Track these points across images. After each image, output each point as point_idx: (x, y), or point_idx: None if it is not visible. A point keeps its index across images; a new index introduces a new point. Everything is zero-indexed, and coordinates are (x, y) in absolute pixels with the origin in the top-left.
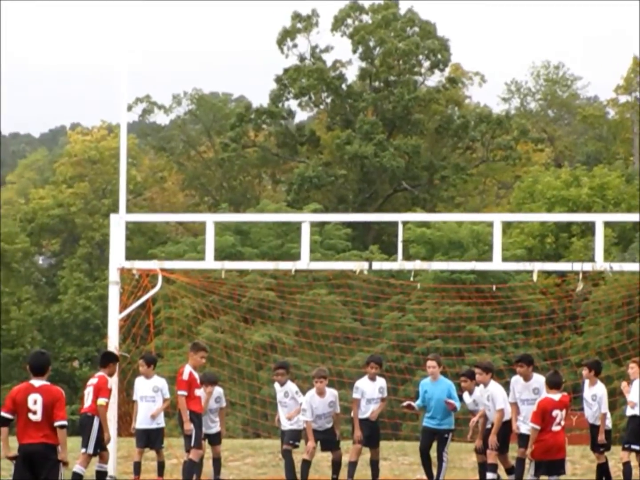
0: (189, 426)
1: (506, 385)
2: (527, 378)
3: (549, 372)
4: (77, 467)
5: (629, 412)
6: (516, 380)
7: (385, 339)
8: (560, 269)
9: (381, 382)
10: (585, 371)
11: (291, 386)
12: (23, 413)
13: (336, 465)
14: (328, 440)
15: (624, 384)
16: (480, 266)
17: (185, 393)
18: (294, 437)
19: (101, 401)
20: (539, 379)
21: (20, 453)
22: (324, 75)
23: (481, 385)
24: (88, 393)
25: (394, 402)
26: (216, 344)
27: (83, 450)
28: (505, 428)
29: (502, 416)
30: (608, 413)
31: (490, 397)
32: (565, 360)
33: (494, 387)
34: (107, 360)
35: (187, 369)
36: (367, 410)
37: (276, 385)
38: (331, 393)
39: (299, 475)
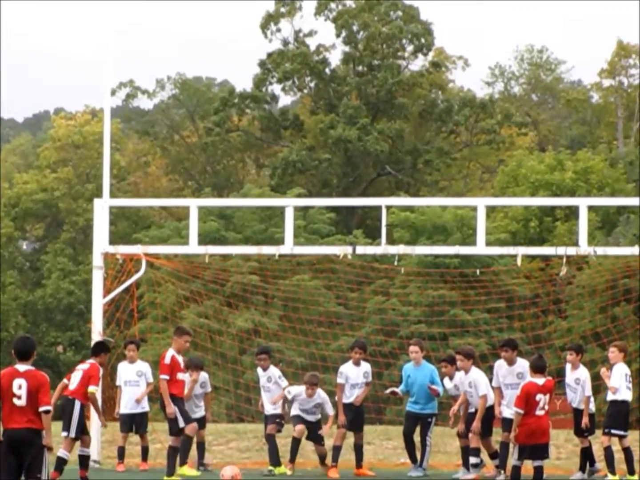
0: (172, 409)
1: (490, 370)
2: (511, 363)
3: (533, 357)
4: (62, 452)
5: (610, 397)
6: (500, 365)
7: (369, 323)
8: (544, 253)
9: (366, 366)
10: (572, 355)
11: (274, 371)
12: (8, 398)
13: (322, 458)
14: (314, 432)
15: (603, 369)
16: (464, 250)
17: (167, 377)
18: (277, 420)
19: (92, 389)
20: (523, 364)
21: (5, 438)
22: (307, 60)
23: (462, 371)
24: (75, 377)
25: (378, 386)
26: (200, 328)
27: (64, 434)
28: (488, 413)
29: (486, 402)
30: (592, 397)
31: (472, 384)
32: (549, 345)
33: (476, 373)
34: (99, 349)
35: (170, 353)
36: (351, 395)
37: (259, 370)
38: (319, 396)
39: (282, 459)
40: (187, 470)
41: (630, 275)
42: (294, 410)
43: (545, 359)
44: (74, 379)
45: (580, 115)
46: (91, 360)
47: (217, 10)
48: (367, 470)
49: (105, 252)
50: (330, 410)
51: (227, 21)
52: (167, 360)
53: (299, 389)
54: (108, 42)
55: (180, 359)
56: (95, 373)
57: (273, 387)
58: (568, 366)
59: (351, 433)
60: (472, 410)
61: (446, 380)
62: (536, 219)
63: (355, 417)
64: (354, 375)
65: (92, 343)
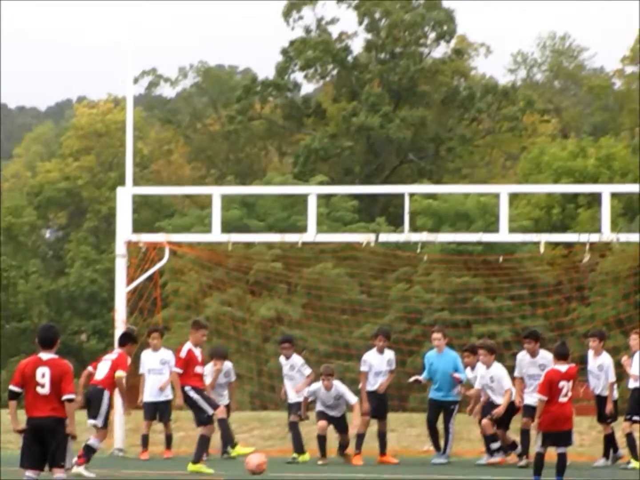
0: (181, 402)
1: (513, 357)
2: (533, 354)
3: (556, 343)
4: (93, 440)
5: (631, 384)
6: (523, 356)
7: (392, 310)
8: (567, 240)
9: (389, 354)
10: (594, 342)
11: (297, 359)
12: (31, 386)
13: (343, 446)
14: (338, 424)
15: (624, 358)
16: (487, 238)
17: (180, 370)
18: (300, 409)
19: (120, 373)
20: (545, 355)
21: (28, 426)
22: (329, 47)
23: (483, 365)
24: (103, 366)
25: (401, 374)
26: (223, 316)
27: (92, 422)
28: (509, 408)
29: (511, 396)
30: (615, 383)
31: (494, 379)
32: (572, 331)
33: (497, 368)
34: (126, 340)
35: (187, 347)
36: (375, 383)
37: (282, 358)
38: (336, 388)
39: (306, 447)
40: (241, 449)
41: None
42: (318, 407)
43: (568, 346)
44: (102, 369)
45: (603, 102)
46: (119, 350)
47: None
48: (390, 457)
49: (128, 240)
50: (352, 399)
51: (249, 9)
52: (183, 354)
53: (315, 386)
54: (130, 30)
55: (197, 352)
56: (124, 361)
57: (296, 375)
58: (591, 353)
59: (375, 420)
60: (491, 401)
61: (467, 370)
62: (559, 206)
63: (379, 405)
64: (378, 363)
65: (116, 332)
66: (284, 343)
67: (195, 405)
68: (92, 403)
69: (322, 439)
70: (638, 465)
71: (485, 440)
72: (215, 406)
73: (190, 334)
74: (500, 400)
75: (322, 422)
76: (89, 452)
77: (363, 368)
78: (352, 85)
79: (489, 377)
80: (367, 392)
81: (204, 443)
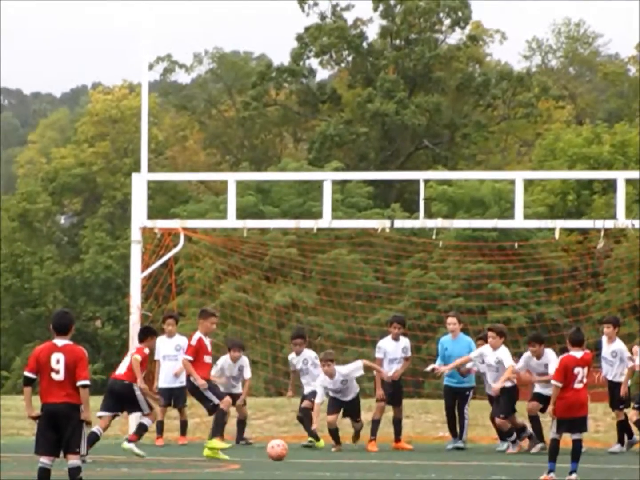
0: (202, 382)
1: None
2: (539, 357)
3: (571, 329)
4: (145, 419)
5: None
6: (529, 357)
7: (407, 296)
8: (582, 226)
9: (405, 342)
10: (609, 328)
11: (309, 353)
12: (46, 373)
13: (356, 432)
14: (350, 408)
15: (635, 347)
16: (502, 224)
17: (190, 358)
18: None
19: (137, 357)
20: (548, 355)
21: (43, 412)
22: (344, 34)
23: (490, 348)
24: (124, 362)
25: (416, 360)
26: (238, 302)
27: (137, 414)
28: (512, 394)
29: (511, 372)
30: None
31: (498, 360)
32: (587, 318)
33: (504, 351)
34: (145, 334)
35: (197, 335)
36: (390, 370)
37: (292, 355)
38: (340, 373)
39: (320, 434)
40: (217, 443)
41: None
42: (331, 394)
43: (583, 332)
44: (123, 364)
45: (618, 88)
46: (138, 346)
47: None
48: (405, 443)
49: (143, 226)
50: (358, 371)
51: None
52: (194, 341)
53: (320, 379)
54: (145, 17)
55: (207, 341)
56: (141, 351)
57: (311, 368)
58: (604, 339)
59: (390, 407)
60: (490, 392)
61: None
62: (574, 192)
63: (394, 391)
64: (392, 350)
65: (131, 318)
66: (297, 339)
67: (202, 395)
68: (126, 400)
69: (333, 432)
70: None
71: (500, 435)
72: (221, 396)
73: (199, 323)
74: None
75: (331, 417)
76: (141, 430)
77: (378, 355)
78: (367, 72)
79: (494, 359)
80: (382, 379)
81: (220, 418)
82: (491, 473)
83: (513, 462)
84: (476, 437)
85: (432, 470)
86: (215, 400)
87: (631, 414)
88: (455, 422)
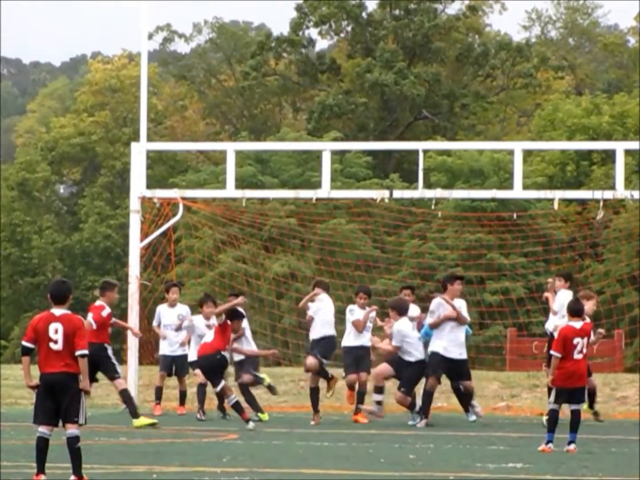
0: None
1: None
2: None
3: (570, 300)
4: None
5: None
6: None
7: (405, 266)
8: (581, 197)
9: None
10: (560, 282)
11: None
12: (44, 342)
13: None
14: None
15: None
16: (501, 194)
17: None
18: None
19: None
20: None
21: (41, 382)
22: (344, 4)
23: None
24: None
25: None
26: (237, 272)
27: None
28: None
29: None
30: None
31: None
32: (586, 288)
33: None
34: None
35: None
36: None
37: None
38: None
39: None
40: (144, 420)
41: None
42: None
43: (582, 302)
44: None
45: (617, 59)
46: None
47: None
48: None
49: (142, 196)
50: None
51: None
52: (105, 313)
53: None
54: None
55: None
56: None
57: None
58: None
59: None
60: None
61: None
62: (573, 163)
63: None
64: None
65: (130, 287)
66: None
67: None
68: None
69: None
70: None
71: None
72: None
73: (105, 296)
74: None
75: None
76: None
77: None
78: (367, 42)
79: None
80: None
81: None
82: (489, 443)
83: (511, 433)
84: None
85: (430, 440)
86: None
87: None
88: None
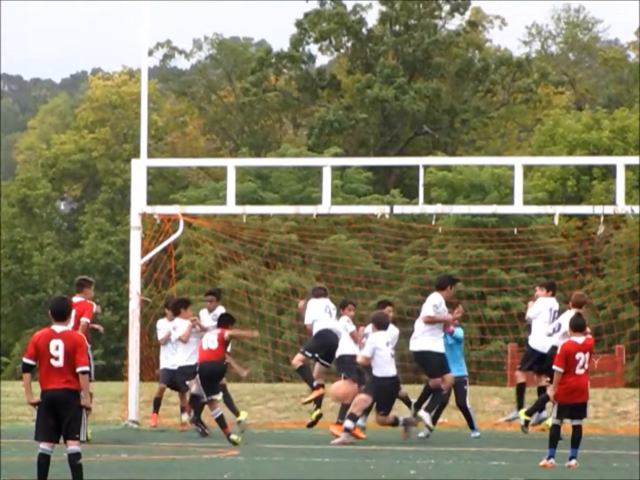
0: None
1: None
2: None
3: (572, 315)
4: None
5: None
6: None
7: (406, 282)
8: (582, 212)
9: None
10: (542, 291)
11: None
12: (45, 359)
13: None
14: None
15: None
16: (502, 209)
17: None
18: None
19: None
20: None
21: (43, 399)
22: (344, 19)
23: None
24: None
25: None
26: (238, 289)
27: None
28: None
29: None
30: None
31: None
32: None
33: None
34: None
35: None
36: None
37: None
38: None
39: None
40: None
41: None
42: None
43: (584, 318)
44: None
45: (617, 74)
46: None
47: None
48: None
49: (143, 212)
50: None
51: None
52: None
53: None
54: (145, 3)
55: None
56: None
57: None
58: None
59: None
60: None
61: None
62: (573, 178)
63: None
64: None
65: (131, 303)
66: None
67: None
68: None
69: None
70: None
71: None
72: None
73: (86, 292)
74: None
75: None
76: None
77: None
78: (367, 57)
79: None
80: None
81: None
82: (490, 459)
83: (512, 448)
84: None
85: (431, 455)
86: None
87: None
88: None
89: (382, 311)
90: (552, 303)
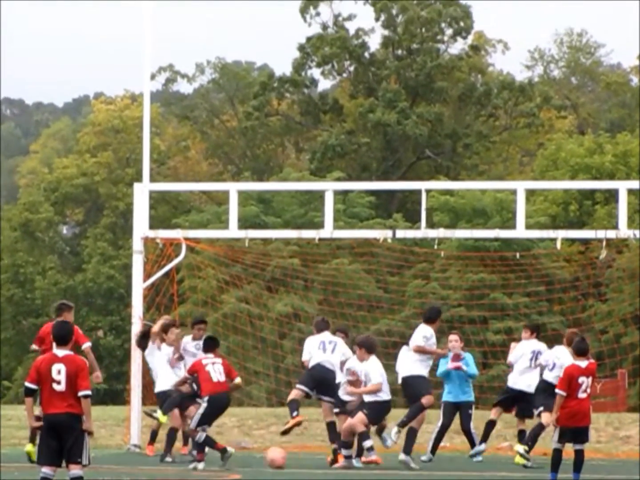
0: None
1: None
2: None
3: (576, 339)
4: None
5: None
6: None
7: (408, 307)
8: (584, 236)
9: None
10: (526, 333)
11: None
12: (47, 383)
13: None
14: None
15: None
16: (504, 234)
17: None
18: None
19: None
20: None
21: (45, 423)
22: (346, 44)
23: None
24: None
25: None
26: (240, 313)
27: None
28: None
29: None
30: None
31: (365, 373)
32: (589, 328)
33: (372, 363)
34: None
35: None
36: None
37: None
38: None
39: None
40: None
41: None
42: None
43: (587, 342)
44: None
45: (620, 98)
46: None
47: None
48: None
49: (145, 236)
50: None
51: (266, 5)
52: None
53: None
54: (147, 27)
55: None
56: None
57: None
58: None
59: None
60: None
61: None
62: (576, 203)
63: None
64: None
65: (133, 328)
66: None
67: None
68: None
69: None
70: None
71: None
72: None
73: (65, 316)
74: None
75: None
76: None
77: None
78: (369, 82)
79: (363, 371)
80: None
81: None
82: None
83: (514, 473)
84: (466, 446)
85: None
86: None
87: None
88: (441, 440)
89: (367, 334)
90: (534, 345)
